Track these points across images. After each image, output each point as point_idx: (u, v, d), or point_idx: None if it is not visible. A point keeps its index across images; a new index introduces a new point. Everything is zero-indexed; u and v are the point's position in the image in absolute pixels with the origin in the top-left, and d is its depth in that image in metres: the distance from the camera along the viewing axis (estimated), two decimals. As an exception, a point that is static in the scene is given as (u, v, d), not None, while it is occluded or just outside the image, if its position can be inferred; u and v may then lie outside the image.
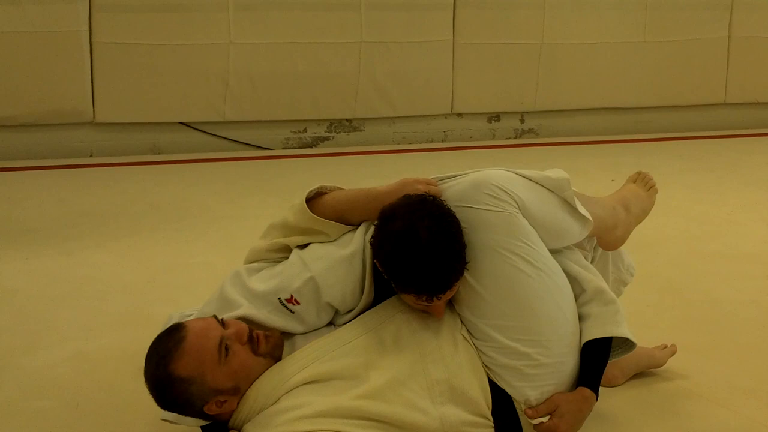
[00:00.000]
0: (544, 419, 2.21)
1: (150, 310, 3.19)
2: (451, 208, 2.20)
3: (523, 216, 2.24)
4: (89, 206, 4.67)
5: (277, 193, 4.90)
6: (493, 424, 2.20)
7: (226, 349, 2.08)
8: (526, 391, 2.21)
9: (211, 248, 3.98)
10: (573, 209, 2.33)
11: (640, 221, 2.66)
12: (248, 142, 6.10)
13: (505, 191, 2.22)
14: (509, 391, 2.21)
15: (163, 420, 2.22)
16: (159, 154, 5.92)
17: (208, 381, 2.07)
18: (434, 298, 2.15)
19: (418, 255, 2.09)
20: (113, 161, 5.66)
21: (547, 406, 2.22)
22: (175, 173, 5.47)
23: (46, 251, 3.90)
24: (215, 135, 6.03)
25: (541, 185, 2.31)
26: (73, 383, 2.67)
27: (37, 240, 4.07)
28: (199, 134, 6.00)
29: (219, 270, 3.41)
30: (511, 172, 2.30)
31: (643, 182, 2.71)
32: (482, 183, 2.23)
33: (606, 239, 2.54)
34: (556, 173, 2.35)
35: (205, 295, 2.43)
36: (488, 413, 2.20)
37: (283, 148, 6.16)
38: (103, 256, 3.86)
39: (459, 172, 2.33)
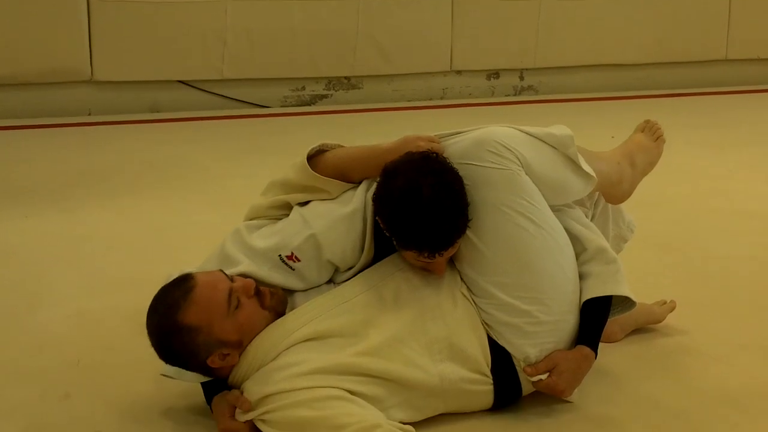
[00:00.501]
0: (543, 377, 2.21)
1: (149, 268, 3.19)
2: (454, 165, 2.20)
3: (525, 173, 2.23)
4: (88, 165, 4.66)
5: (275, 151, 4.89)
6: (492, 381, 2.21)
7: (238, 301, 2.09)
8: (525, 349, 2.22)
9: (209, 206, 3.97)
10: (576, 166, 2.32)
11: (647, 173, 2.65)
12: (246, 100, 6.07)
13: (508, 148, 2.21)
14: (508, 348, 2.21)
15: (163, 375, 2.23)
16: (157, 112, 5.89)
17: (215, 331, 2.07)
18: (435, 255, 2.15)
19: (421, 212, 2.09)
20: (111, 119, 5.65)
21: (546, 364, 2.22)
22: (174, 131, 5.45)
23: (45, 210, 3.90)
24: (213, 93, 6.01)
25: (545, 142, 2.30)
26: (73, 341, 2.68)
27: (36, 199, 4.06)
28: (197, 92, 5.98)
29: (218, 228, 3.40)
30: (514, 128, 2.29)
31: (651, 131, 2.69)
32: (485, 140, 2.22)
33: (611, 194, 2.53)
34: (560, 130, 2.34)
35: (205, 253, 2.43)
36: (487, 370, 2.20)
37: (282, 106, 6.14)
38: (102, 215, 3.86)
39: (462, 129, 2.32)
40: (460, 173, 2.18)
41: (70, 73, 5.68)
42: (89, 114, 5.79)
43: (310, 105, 6.21)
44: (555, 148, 2.30)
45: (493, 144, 2.21)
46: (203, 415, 2.24)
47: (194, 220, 3.79)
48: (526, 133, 2.29)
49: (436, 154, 2.19)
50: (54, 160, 4.74)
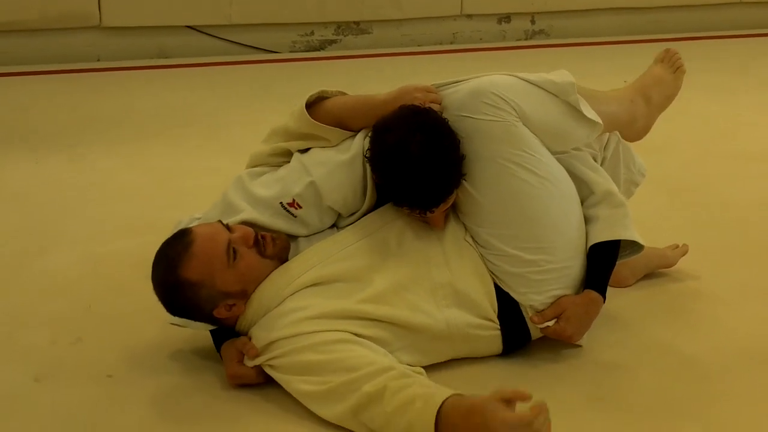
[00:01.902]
0: (551, 323, 2.21)
1: (158, 214, 3.19)
2: (450, 118, 2.17)
3: (523, 124, 2.20)
4: (97, 111, 4.65)
5: (284, 96, 4.86)
6: (499, 327, 2.21)
7: (234, 252, 2.09)
8: (531, 296, 2.21)
9: (218, 152, 3.96)
10: (578, 113, 2.29)
11: (665, 108, 2.61)
12: (255, 46, 6.03)
13: (504, 99, 2.18)
14: (514, 296, 2.21)
15: (172, 324, 2.24)
16: (166, 57, 5.86)
17: (218, 284, 2.08)
18: (427, 212, 2.15)
19: (409, 170, 2.08)
20: (120, 65, 5.62)
21: (553, 310, 2.22)
22: (182, 77, 5.43)
23: (55, 156, 3.90)
24: (222, 38, 5.96)
25: (545, 89, 2.27)
26: (84, 286, 2.69)
27: (46, 145, 4.06)
28: (206, 38, 5.94)
29: (226, 174, 3.39)
30: (513, 77, 2.26)
31: (670, 62, 2.65)
32: (481, 91, 2.19)
33: (627, 133, 2.51)
34: (561, 77, 2.30)
35: (213, 199, 2.43)
36: (494, 316, 2.20)
37: (290, 52, 6.09)
38: (111, 161, 3.86)
39: (461, 78, 2.29)
40: (457, 126, 2.16)
41: (78, 18, 5.64)
42: (98, 60, 5.76)
43: (319, 50, 6.16)
44: (555, 95, 2.27)
45: (489, 95, 2.18)
46: (212, 360, 2.25)
47: (203, 166, 3.78)
48: (525, 80, 2.25)
49: (428, 109, 2.17)
50: (63, 107, 4.73)
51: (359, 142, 2.27)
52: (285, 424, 2.03)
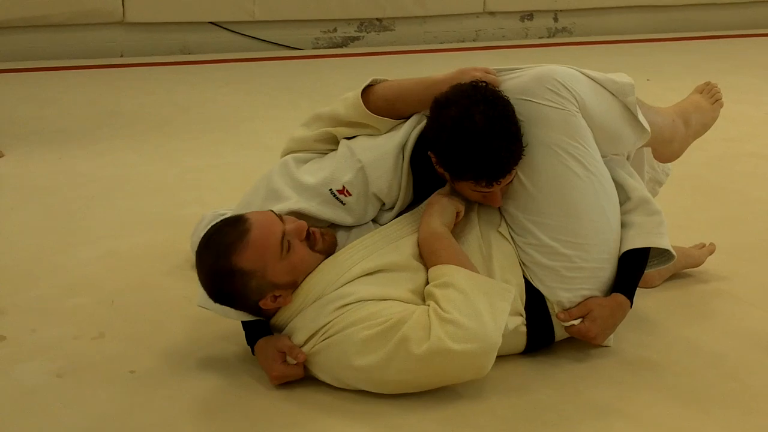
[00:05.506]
0: (576, 322, 2.20)
1: (180, 210, 3.20)
2: (511, 100, 2.16)
3: (582, 116, 2.20)
4: (119, 106, 4.66)
5: (306, 93, 4.86)
6: (525, 322, 2.20)
7: (288, 244, 2.08)
8: (560, 293, 2.20)
9: (240, 148, 3.97)
10: (633, 117, 2.28)
11: (699, 136, 2.62)
12: (278, 42, 6.04)
13: (567, 88, 2.18)
14: (543, 291, 2.20)
15: (201, 307, 2.22)
16: (188, 54, 5.88)
17: (269, 275, 2.06)
18: (493, 184, 2.13)
19: (476, 140, 2.06)
20: (143, 61, 5.64)
21: (579, 310, 2.21)
22: (205, 73, 5.44)
23: (77, 151, 3.91)
24: (244, 35, 5.97)
25: (605, 88, 2.26)
26: (106, 281, 2.69)
27: (68, 140, 4.07)
28: (229, 34, 5.95)
29: (248, 170, 3.41)
30: (576, 70, 2.26)
31: (710, 94, 2.66)
32: (545, 77, 2.19)
33: (661, 151, 2.50)
34: (621, 77, 2.30)
35: (235, 195, 2.43)
36: (523, 310, 2.19)
37: (313, 48, 6.10)
38: (133, 157, 3.87)
39: (521, 66, 2.29)
40: (516, 109, 2.15)
41: (102, 14, 5.67)
42: (121, 56, 5.78)
43: (341, 47, 6.16)
44: (614, 95, 2.26)
45: (553, 82, 2.18)
46: (235, 356, 2.25)
47: (225, 162, 3.78)
48: (587, 76, 2.25)
49: (486, 83, 2.16)
50: (86, 102, 4.75)
51: (407, 129, 2.26)
52: (312, 418, 2.02)
